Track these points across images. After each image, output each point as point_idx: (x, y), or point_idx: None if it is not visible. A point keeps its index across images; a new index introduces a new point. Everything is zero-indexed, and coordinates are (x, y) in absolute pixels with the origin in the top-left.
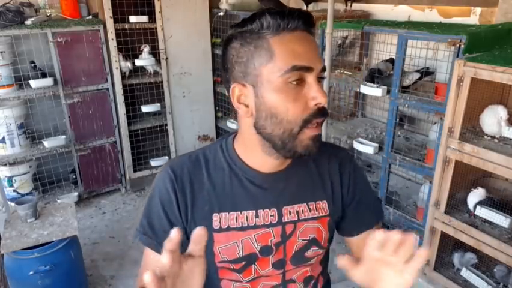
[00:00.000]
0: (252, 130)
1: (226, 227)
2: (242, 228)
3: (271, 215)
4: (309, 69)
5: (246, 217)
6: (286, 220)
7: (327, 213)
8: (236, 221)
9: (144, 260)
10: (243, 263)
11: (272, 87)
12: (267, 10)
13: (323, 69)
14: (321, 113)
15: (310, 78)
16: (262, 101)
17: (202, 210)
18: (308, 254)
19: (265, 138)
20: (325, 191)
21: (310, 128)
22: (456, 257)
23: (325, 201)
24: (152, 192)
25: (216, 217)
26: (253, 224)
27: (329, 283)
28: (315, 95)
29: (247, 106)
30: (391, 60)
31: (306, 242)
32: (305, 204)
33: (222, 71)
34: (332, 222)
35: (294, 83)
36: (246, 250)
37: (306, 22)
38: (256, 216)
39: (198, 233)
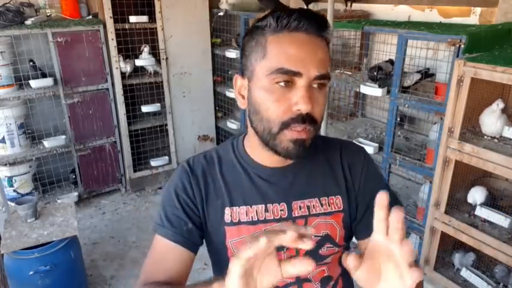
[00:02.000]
0: (249, 122)
1: (237, 221)
2: (252, 223)
3: (280, 210)
4: (297, 74)
5: (256, 211)
6: (296, 215)
7: (341, 208)
8: (246, 215)
9: (154, 247)
10: None
11: (260, 84)
12: (281, 9)
13: (322, 76)
14: (301, 119)
15: (300, 82)
16: (251, 96)
17: (215, 204)
18: (323, 251)
19: (255, 132)
20: (339, 185)
21: (291, 130)
22: (456, 257)
23: (339, 197)
24: (168, 187)
25: (227, 211)
26: (263, 219)
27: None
28: (298, 101)
29: (244, 97)
30: (391, 61)
31: (318, 238)
32: (316, 199)
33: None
34: (347, 219)
35: (282, 84)
36: None
37: (312, 25)
38: (266, 210)
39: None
